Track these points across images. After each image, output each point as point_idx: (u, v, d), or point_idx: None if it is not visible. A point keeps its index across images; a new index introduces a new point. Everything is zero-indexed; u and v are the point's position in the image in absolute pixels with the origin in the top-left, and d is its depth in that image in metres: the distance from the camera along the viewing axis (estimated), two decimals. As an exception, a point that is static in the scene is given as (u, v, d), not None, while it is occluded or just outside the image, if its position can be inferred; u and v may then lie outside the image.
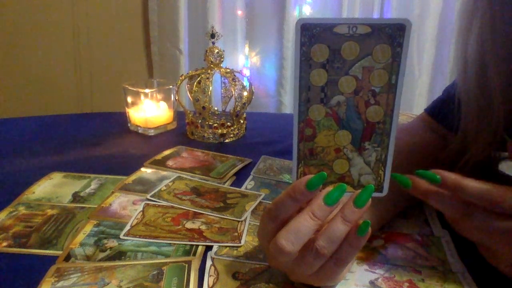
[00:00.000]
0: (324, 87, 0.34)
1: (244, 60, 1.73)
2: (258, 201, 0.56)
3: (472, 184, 0.34)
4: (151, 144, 0.79)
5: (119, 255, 0.45)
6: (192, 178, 0.63)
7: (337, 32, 0.32)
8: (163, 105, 0.85)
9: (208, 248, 0.46)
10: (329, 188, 0.35)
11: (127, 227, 0.49)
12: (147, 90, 0.83)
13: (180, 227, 0.50)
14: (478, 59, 0.45)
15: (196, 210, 0.53)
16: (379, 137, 0.35)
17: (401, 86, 0.33)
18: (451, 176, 0.35)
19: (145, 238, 0.47)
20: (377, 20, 0.32)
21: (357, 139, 0.35)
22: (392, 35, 0.32)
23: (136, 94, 0.83)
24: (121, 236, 0.48)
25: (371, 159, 0.36)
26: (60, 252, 0.45)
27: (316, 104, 0.34)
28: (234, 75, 0.81)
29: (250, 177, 0.64)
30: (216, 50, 0.80)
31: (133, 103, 0.84)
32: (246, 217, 0.52)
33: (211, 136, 0.80)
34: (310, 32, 0.32)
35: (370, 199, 0.35)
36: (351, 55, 0.33)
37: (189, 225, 0.50)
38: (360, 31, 0.32)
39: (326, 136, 0.35)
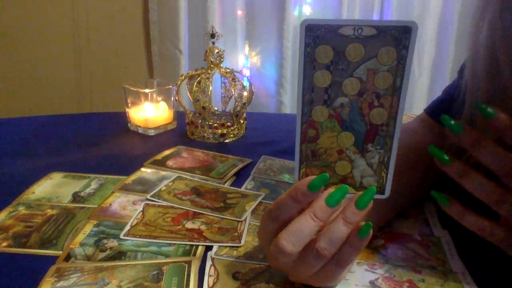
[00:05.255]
0: (328, 89, 0.34)
1: (244, 60, 1.73)
2: (258, 201, 0.56)
3: (491, 143, 0.35)
4: (151, 144, 0.79)
5: (119, 255, 0.45)
6: (192, 178, 0.63)
7: (342, 34, 0.32)
8: (163, 105, 0.85)
9: (208, 248, 0.46)
10: (331, 190, 0.35)
11: (127, 227, 0.49)
12: (147, 90, 0.83)
13: (180, 227, 0.50)
14: (489, 49, 0.44)
15: (196, 210, 0.53)
16: (382, 139, 0.35)
17: (405, 89, 0.33)
18: (474, 130, 0.35)
19: (145, 238, 0.47)
20: (383, 22, 0.32)
21: (360, 141, 0.35)
22: (398, 38, 0.32)
23: (136, 94, 0.83)
24: (121, 236, 0.48)
25: (373, 161, 0.36)
26: (60, 252, 0.45)
27: (319, 105, 0.34)
28: (234, 75, 0.81)
29: (250, 177, 0.64)
30: (216, 50, 0.80)
31: (133, 103, 0.84)
32: (246, 217, 0.52)
33: (211, 136, 0.80)
34: (314, 33, 0.32)
35: (372, 201, 0.35)
36: (356, 57, 0.32)
37: (189, 225, 0.50)
38: (366, 33, 0.32)
39: (329, 138, 0.35)
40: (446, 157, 0.37)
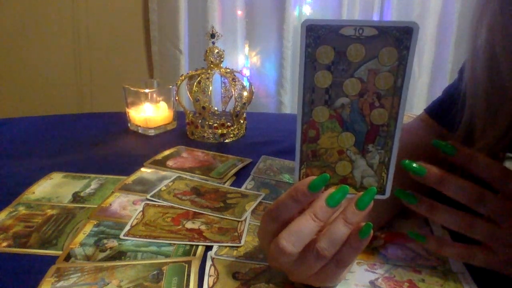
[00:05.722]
0: (329, 89, 0.34)
1: (244, 60, 1.73)
2: (258, 201, 0.56)
3: (483, 156, 0.37)
4: (151, 144, 0.79)
5: (119, 255, 0.45)
6: (192, 178, 0.63)
7: (343, 34, 0.32)
8: (163, 105, 0.85)
9: (208, 248, 0.46)
10: (332, 190, 0.35)
11: (127, 227, 0.49)
12: (147, 90, 0.83)
13: (180, 227, 0.50)
14: (488, 50, 0.44)
15: (196, 210, 0.53)
16: (383, 140, 0.35)
17: (406, 89, 0.33)
18: (465, 148, 0.37)
19: (145, 238, 0.47)
20: (384, 23, 0.31)
21: (360, 141, 0.35)
22: (399, 38, 0.32)
23: (136, 94, 0.83)
24: (121, 236, 0.48)
25: (374, 161, 0.36)
26: (60, 252, 0.45)
27: (320, 105, 0.34)
28: (234, 75, 0.81)
29: (250, 177, 0.64)
30: (216, 50, 0.80)
31: (133, 103, 0.84)
32: (246, 217, 0.52)
33: (211, 136, 0.80)
34: (315, 33, 0.32)
35: (372, 202, 0.35)
36: (357, 57, 0.32)
37: (189, 225, 0.50)
38: (367, 33, 0.32)
39: (329, 138, 0.35)
40: (413, 198, 0.38)
